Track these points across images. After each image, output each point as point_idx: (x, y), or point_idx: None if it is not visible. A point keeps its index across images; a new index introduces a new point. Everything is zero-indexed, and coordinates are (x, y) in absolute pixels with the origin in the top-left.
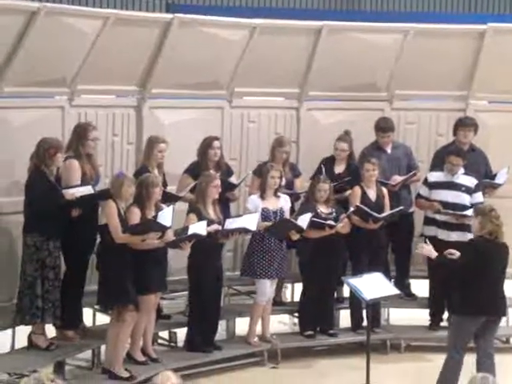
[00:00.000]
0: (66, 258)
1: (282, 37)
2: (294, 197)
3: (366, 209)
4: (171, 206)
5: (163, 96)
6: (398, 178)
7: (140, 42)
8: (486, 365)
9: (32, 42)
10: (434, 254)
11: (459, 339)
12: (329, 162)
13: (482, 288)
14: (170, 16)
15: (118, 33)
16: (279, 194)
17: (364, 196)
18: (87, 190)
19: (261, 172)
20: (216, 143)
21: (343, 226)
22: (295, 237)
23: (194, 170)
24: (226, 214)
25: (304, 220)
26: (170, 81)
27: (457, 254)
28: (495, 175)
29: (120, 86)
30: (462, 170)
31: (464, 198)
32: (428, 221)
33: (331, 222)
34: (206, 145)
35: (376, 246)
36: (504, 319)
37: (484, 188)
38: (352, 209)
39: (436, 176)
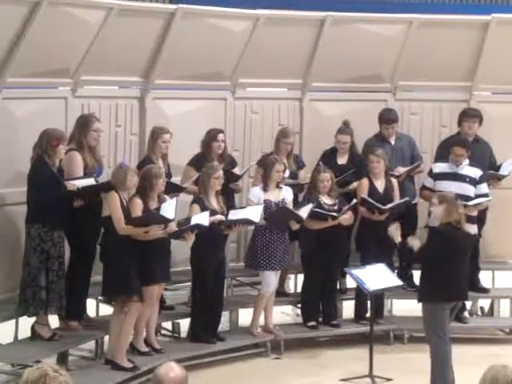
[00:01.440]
0: (70, 249)
1: (286, 27)
2: (298, 188)
3: (370, 200)
4: (174, 198)
5: (166, 87)
6: (401, 169)
7: (143, 32)
8: (449, 350)
9: (35, 33)
10: (398, 239)
11: (438, 325)
12: (331, 153)
13: (453, 274)
14: (173, 7)
15: (121, 23)
16: (281, 185)
17: (372, 187)
18: (89, 181)
19: (264, 163)
20: (220, 136)
21: (346, 218)
22: (295, 226)
23: (198, 162)
24: (231, 204)
25: (305, 211)
26: (173, 72)
27: (415, 245)
28: (500, 166)
29: (123, 77)
30: (466, 162)
31: (468, 189)
32: None
33: (334, 214)
34: (211, 137)
35: (383, 236)
36: (507, 310)
37: (488, 179)
38: (355, 200)
39: (441, 167)
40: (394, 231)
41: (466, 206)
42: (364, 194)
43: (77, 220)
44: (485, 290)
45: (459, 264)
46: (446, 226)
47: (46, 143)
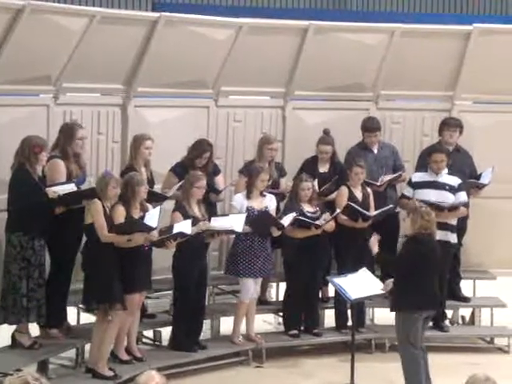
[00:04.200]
0: (51, 257)
1: (269, 36)
2: (280, 197)
3: (356, 207)
4: (158, 207)
5: (149, 94)
6: (383, 178)
7: (126, 40)
8: (425, 359)
9: (17, 40)
10: (374, 250)
11: (413, 334)
12: (312, 161)
13: (426, 283)
14: (156, 15)
15: (103, 31)
16: (264, 192)
17: (351, 196)
18: (70, 187)
19: (247, 171)
20: (206, 154)
21: (329, 225)
22: (276, 233)
23: (180, 169)
24: (212, 213)
25: (287, 219)
26: (155, 79)
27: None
28: (480, 175)
29: (105, 85)
30: (445, 170)
31: (447, 197)
32: None
33: (318, 222)
34: (197, 154)
35: (361, 245)
36: (488, 319)
37: (469, 188)
38: (338, 210)
39: (419, 176)
40: (373, 243)
41: (441, 209)
42: (345, 202)
43: (58, 228)
44: (466, 299)
45: (432, 272)
46: (415, 234)
47: (29, 150)
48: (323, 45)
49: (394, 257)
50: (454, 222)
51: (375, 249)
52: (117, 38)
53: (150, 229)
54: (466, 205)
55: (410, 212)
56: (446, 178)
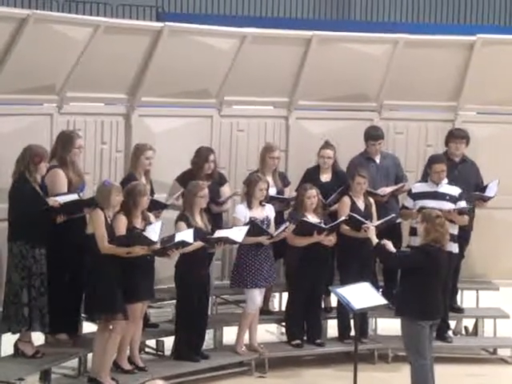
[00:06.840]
0: (52, 263)
1: (272, 46)
2: (284, 204)
3: (358, 217)
4: (160, 221)
5: (152, 104)
6: (386, 190)
7: (130, 50)
8: (432, 371)
9: (21, 49)
10: (374, 240)
11: (421, 344)
12: (314, 171)
13: (430, 292)
14: (160, 24)
15: (107, 41)
16: (264, 202)
17: (353, 206)
18: (73, 197)
19: (248, 180)
20: (211, 157)
21: (330, 239)
22: (265, 241)
23: (185, 178)
24: (217, 223)
25: (279, 230)
26: (159, 89)
27: (389, 244)
28: (485, 187)
29: (109, 94)
30: (445, 180)
31: (448, 207)
32: (413, 231)
33: (322, 225)
34: (203, 160)
35: (365, 255)
36: (491, 330)
37: (474, 200)
38: (343, 218)
39: (419, 187)
40: (372, 232)
41: (450, 212)
42: (347, 212)
43: (59, 237)
44: (459, 310)
45: (436, 282)
46: (426, 245)
47: (29, 160)
48: (327, 55)
49: (396, 253)
50: (455, 231)
51: (374, 238)
52: (121, 48)
53: (151, 243)
54: (470, 215)
55: (425, 221)
56: (446, 188)
